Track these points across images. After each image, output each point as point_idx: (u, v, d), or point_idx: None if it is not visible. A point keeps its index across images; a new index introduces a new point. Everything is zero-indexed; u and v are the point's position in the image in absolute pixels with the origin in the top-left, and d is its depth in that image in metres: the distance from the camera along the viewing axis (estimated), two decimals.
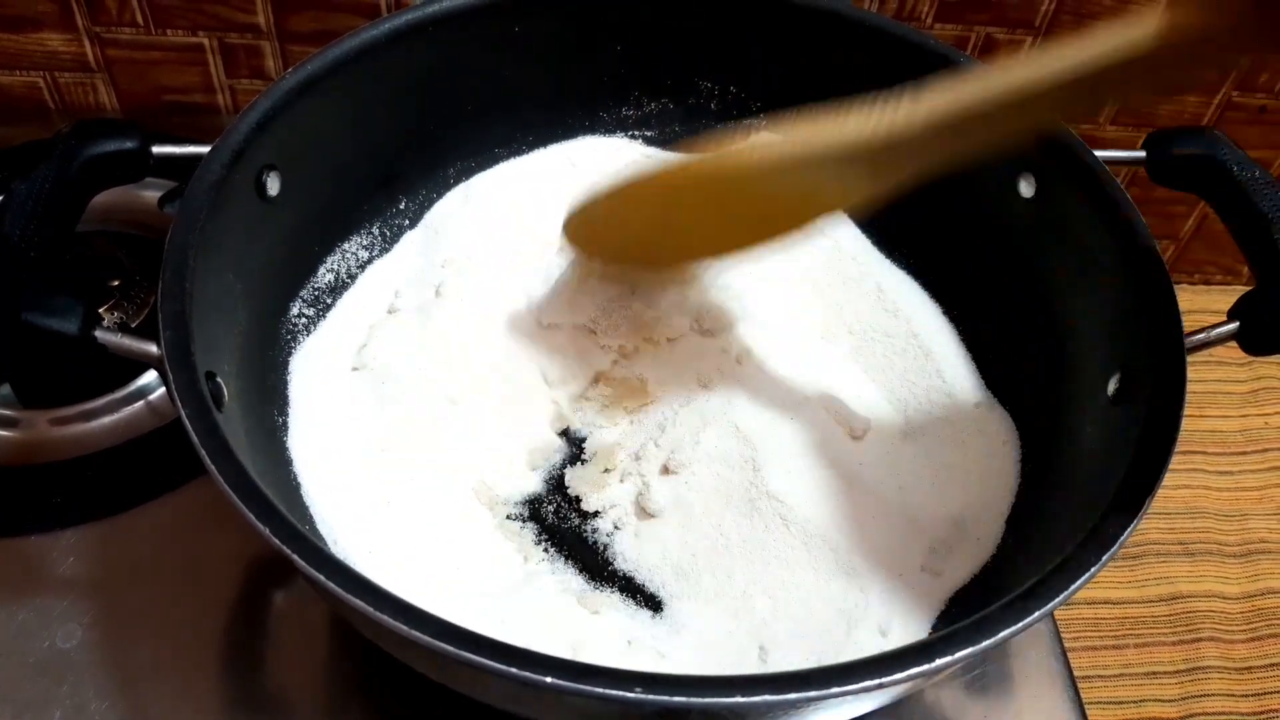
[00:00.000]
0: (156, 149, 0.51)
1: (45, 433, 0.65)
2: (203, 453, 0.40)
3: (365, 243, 0.66)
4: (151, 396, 0.67)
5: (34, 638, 0.56)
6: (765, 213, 0.53)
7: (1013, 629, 0.40)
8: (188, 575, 0.59)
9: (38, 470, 0.63)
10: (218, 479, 0.39)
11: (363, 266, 0.65)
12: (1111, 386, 0.53)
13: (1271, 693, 0.79)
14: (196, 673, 0.56)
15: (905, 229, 0.70)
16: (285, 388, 0.59)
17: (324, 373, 0.60)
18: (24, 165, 0.75)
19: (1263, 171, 0.55)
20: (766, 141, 0.50)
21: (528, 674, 0.34)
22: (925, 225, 0.68)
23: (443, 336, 0.60)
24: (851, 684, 0.37)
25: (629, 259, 0.61)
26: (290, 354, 0.60)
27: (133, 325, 0.69)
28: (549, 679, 0.34)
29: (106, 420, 0.66)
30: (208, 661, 0.56)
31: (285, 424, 0.57)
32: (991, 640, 0.39)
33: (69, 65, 0.81)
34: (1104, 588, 0.81)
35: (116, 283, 0.70)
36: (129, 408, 0.66)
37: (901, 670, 0.38)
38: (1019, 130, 0.46)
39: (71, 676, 0.55)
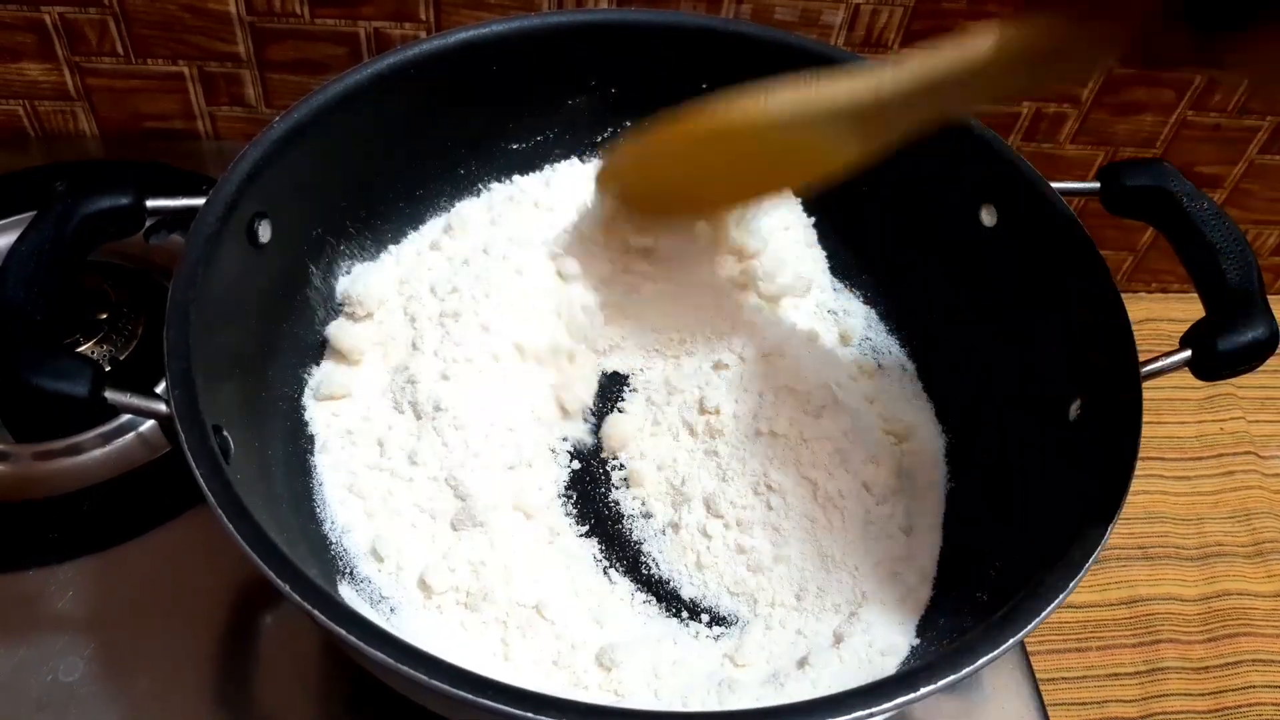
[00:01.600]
0: (150, 202, 0.52)
1: (32, 467, 0.66)
2: (220, 513, 0.41)
3: (351, 278, 0.66)
4: (142, 428, 0.68)
5: (36, 672, 0.57)
6: (772, 164, 0.57)
7: (990, 655, 0.42)
8: (184, 604, 0.60)
9: (33, 506, 0.64)
10: (235, 537, 0.40)
11: (351, 300, 0.66)
12: (1073, 412, 0.56)
13: (1227, 691, 0.81)
14: (196, 699, 0.57)
15: (868, 259, 0.72)
16: (290, 425, 0.60)
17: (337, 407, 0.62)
18: (6, 196, 0.77)
19: (1211, 203, 0.57)
20: (777, 96, 0.54)
21: (542, 717, 0.36)
22: (888, 255, 0.71)
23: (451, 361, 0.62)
24: (844, 714, 0.39)
25: (653, 206, 0.65)
26: (286, 391, 0.61)
27: (121, 358, 0.70)
28: None
29: (98, 453, 0.67)
30: (206, 688, 0.57)
31: (295, 459, 0.59)
32: (972, 667, 0.42)
33: (49, 94, 0.82)
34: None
35: (104, 315, 0.71)
36: (120, 439, 0.67)
37: (889, 700, 0.40)
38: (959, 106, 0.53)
39: (75, 709, 0.56)
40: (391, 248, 0.68)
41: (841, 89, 0.52)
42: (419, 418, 0.60)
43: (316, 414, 0.62)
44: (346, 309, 0.64)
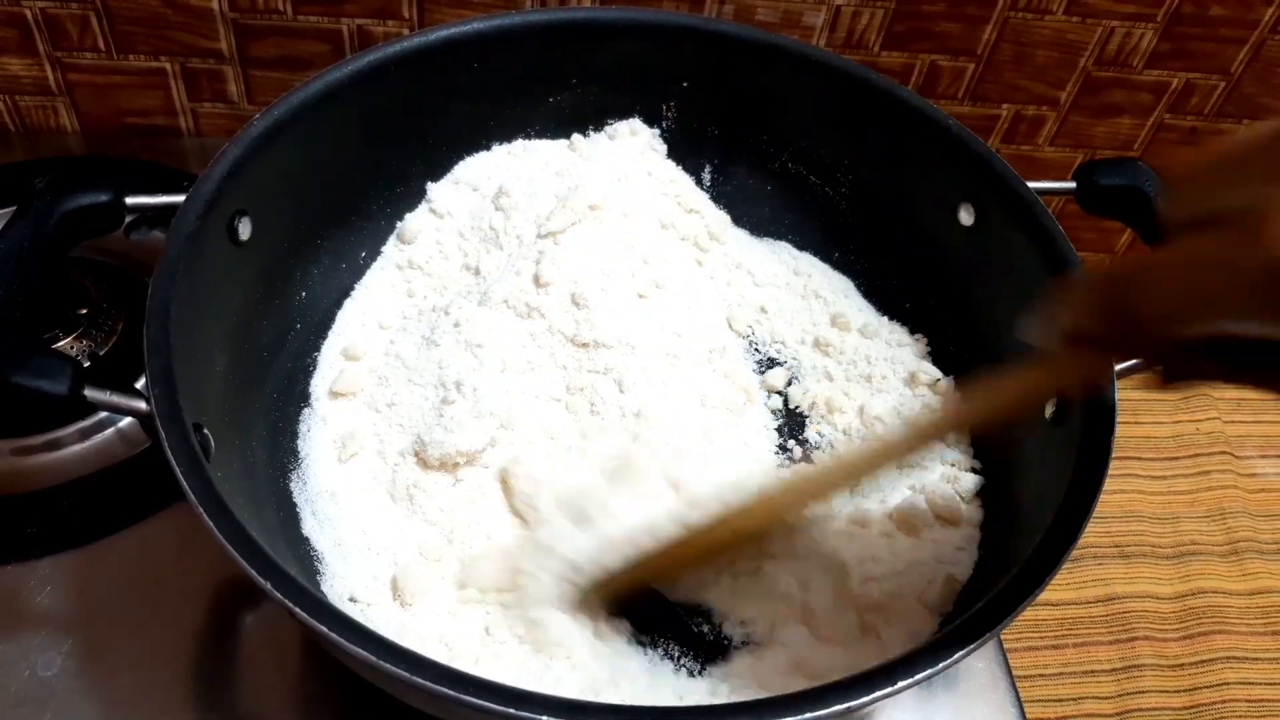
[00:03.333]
0: (130, 199, 0.51)
1: (10, 462, 0.65)
2: (200, 511, 0.41)
3: (334, 277, 0.67)
4: (121, 424, 0.67)
5: (14, 667, 0.56)
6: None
7: (968, 649, 0.43)
8: (163, 600, 0.60)
9: (11, 500, 0.63)
10: (216, 535, 0.40)
11: (337, 302, 0.66)
12: (1049, 409, 0.56)
13: (1201, 688, 0.82)
14: (176, 696, 0.56)
15: (846, 256, 0.73)
16: (272, 423, 0.60)
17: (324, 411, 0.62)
18: None
19: None
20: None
21: (525, 714, 0.36)
22: (866, 253, 0.71)
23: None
24: (821, 708, 0.39)
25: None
26: (268, 389, 0.61)
27: (101, 354, 0.70)
28: (544, 718, 0.36)
29: (77, 449, 0.66)
30: (186, 684, 0.57)
31: (277, 463, 0.59)
32: (949, 660, 0.42)
33: (29, 89, 0.81)
34: (1044, 591, 0.83)
35: (83, 311, 0.70)
36: (99, 435, 0.67)
37: (867, 693, 0.40)
38: None
39: (53, 705, 0.55)
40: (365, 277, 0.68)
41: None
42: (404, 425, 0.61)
43: (303, 413, 0.62)
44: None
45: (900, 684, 0.40)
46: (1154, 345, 0.37)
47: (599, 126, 0.71)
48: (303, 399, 0.63)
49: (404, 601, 0.55)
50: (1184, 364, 0.37)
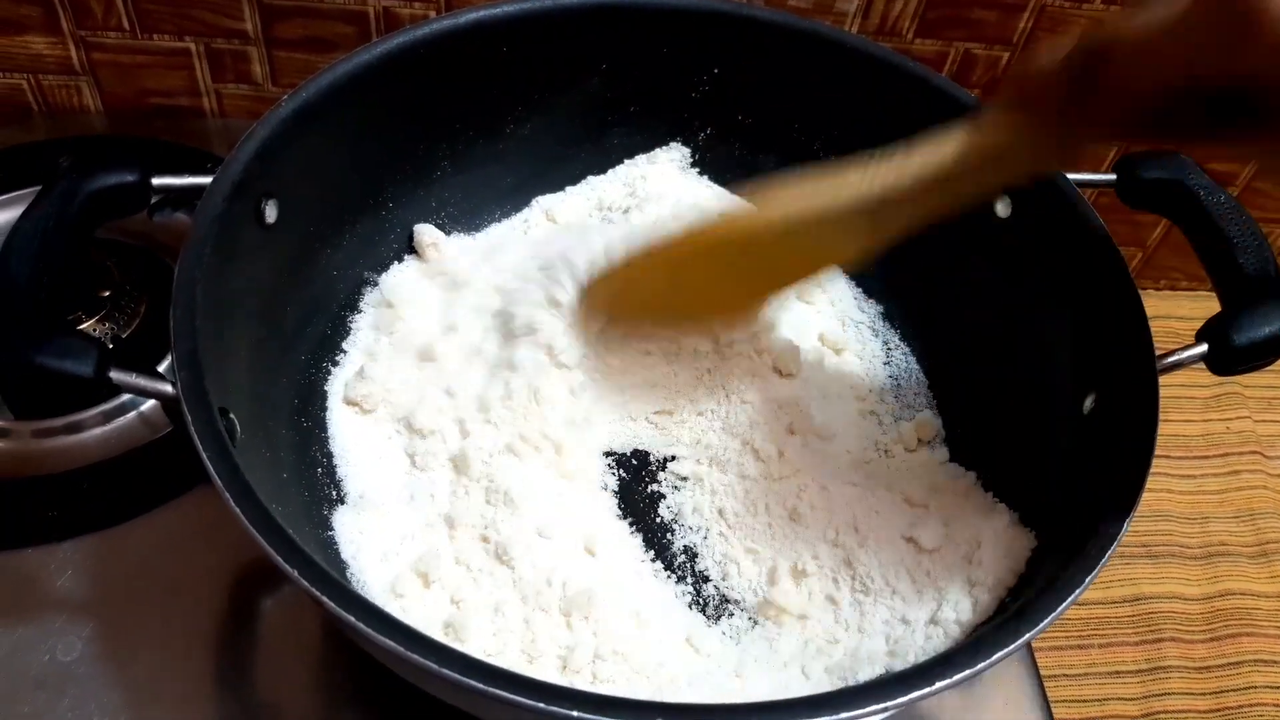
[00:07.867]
0: (156, 180, 0.51)
1: (32, 445, 0.65)
2: (228, 498, 0.40)
3: (360, 262, 0.66)
4: (143, 408, 0.67)
5: (34, 651, 0.56)
6: (770, 269, 0.56)
7: (1007, 650, 0.42)
8: (184, 586, 0.60)
9: (33, 483, 0.63)
10: (243, 522, 0.40)
11: (358, 287, 0.66)
12: (1087, 405, 0.55)
13: (1228, 691, 0.81)
14: (196, 682, 0.56)
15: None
16: (298, 406, 0.60)
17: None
18: (9, 171, 0.76)
19: (1228, 196, 0.57)
20: (771, 202, 0.53)
21: (555, 708, 0.36)
22: (898, 247, 0.70)
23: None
24: (859, 707, 0.39)
25: (646, 319, 0.63)
26: (294, 373, 0.61)
27: (124, 336, 0.69)
28: (575, 713, 0.36)
29: (98, 432, 0.66)
30: (206, 671, 0.57)
31: (303, 442, 0.59)
32: (988, 661, 0.41)
33: (53, 68, 0.81)
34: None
35: (107, 293, 0.70)
36: (121, 418, 0.67)
37: (906, 693, 0.40)
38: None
39: (73, 690, 0.55)
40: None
41: (831, 191, 0.51)
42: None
43: (328, 400, 0.62)
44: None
45: (939, 684, 0.40)
46: (1128, 100, 0.38)
47: (630, 111, 0.70)
48: (325, 388, 0.62)
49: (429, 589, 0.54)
50: (1157, 121, 0.38)
